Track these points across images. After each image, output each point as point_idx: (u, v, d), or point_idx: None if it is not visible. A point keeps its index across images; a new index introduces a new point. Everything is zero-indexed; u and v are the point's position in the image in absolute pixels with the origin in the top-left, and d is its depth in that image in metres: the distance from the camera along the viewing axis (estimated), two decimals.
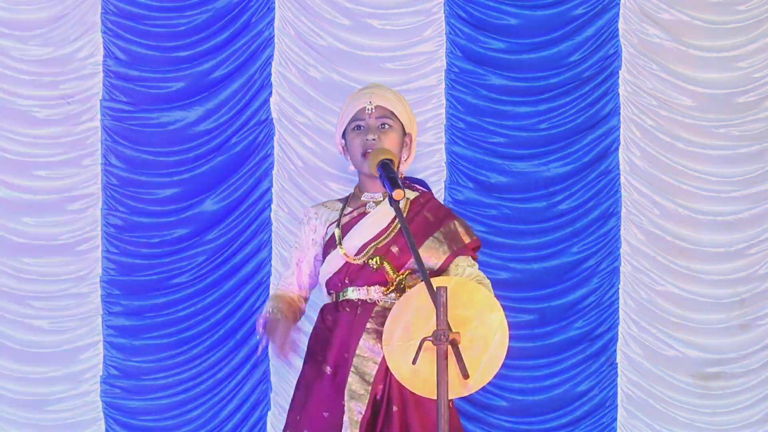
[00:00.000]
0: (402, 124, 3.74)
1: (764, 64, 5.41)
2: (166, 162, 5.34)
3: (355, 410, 3.52)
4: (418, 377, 3.16)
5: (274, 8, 5.36)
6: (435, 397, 3.16)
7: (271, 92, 5.35)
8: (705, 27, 5.41)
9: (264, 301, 5.30)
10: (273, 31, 5.35)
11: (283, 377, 5.27)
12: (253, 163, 5.36)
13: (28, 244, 5.28)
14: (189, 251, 5.31)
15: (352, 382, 3.54)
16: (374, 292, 3.61)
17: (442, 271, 3.64)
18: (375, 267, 3.59)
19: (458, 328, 3.01)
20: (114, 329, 5.29)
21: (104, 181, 5.31)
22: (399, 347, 3.20)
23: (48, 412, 5.27)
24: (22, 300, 5.27)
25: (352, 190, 3.84)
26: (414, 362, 3.05)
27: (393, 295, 3.59)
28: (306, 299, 3.76)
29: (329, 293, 3.73)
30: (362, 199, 3.74)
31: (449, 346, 2.94)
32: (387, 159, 3.52)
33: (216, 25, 5.34)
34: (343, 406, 3.54)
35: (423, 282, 3.25)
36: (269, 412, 5.31)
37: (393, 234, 3.63)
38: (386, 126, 3.69)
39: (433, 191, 3.78)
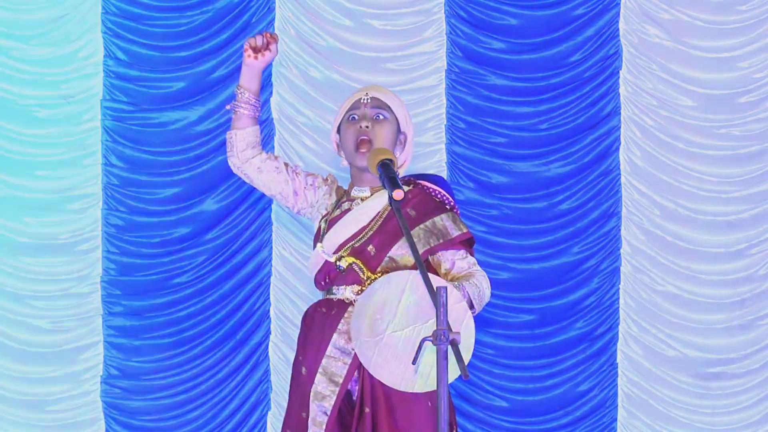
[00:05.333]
0: (397, 120, 3.70)
1: (765, 64, 5.40)
2: (167, 162, 5.33)
3: (318, 411, 3.51)
4: (390, 371, 3.17)
5: (274, 8, 5.36)
6: (408, 390, 3.18)
7: (271, 92, 5.34)
8: (705, 27, 5.41)
9: (264, 301, 5.31)
10: (273, 31, 5.35)
11: (283, 377, 5.26)
12: None
13: (29, 244, 5.28)
14: (189, 251, 5.30)
15: (318, 383, 3.53)
16: (350, 292, 3.59)
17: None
18: (343, 268, 3.57)
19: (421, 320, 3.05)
20: (114, 329, 5.28)
21: (104, 181, 5.31)
22: (367, 342, 3.19)
23: (48, 412, 5.27)
24: (22, 299, 5.27)
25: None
26: (414, 362, 3.04)
27: None
28: (256, 146, 3.64)
29: (320, 291, 3.73)
30: (352, 194, 3.71)
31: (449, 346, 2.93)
32: (387, 159, 3.49)
33: (216, 25, 5.34)
34: None
35: (384, 276, 3.27)
36: (269, 412, 5.31)
37: (371, 233, 3.59)
38: (380, 116, 3.65)
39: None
